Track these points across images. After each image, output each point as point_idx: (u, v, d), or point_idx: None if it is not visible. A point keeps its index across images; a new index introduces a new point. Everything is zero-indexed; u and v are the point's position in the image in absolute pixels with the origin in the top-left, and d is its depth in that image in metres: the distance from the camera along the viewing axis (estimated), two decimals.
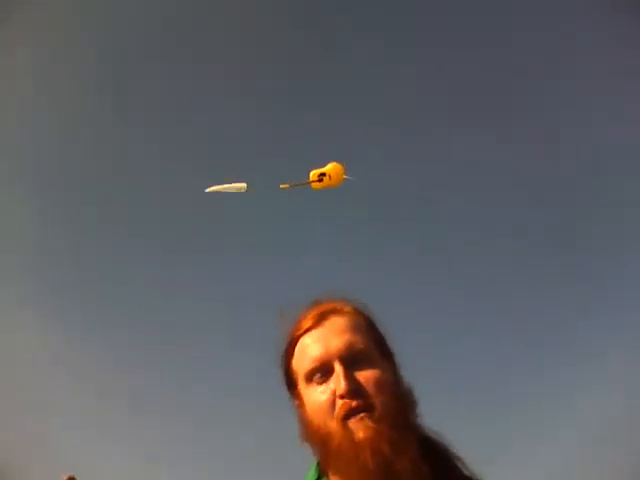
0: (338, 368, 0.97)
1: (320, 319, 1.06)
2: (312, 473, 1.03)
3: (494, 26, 9.52)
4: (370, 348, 1.02)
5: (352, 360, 0.98)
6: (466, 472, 1.01)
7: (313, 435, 0.99)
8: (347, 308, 1.09)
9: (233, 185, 5.24)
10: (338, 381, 0.96)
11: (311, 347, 1.03)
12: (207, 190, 5.38)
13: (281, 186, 5.31)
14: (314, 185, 5.33)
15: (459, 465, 1.01)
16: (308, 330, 1.05)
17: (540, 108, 9.83)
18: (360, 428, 0.93)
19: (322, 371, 0.99)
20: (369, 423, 0.93)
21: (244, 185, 5.26)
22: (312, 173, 5.24)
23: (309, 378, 1.01)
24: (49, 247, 8.90)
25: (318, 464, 1.03)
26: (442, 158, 9.94)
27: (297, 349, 1.07)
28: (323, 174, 5.10)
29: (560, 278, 9.25)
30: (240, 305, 9.45)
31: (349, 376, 0.96)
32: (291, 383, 1.09)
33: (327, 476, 1.01)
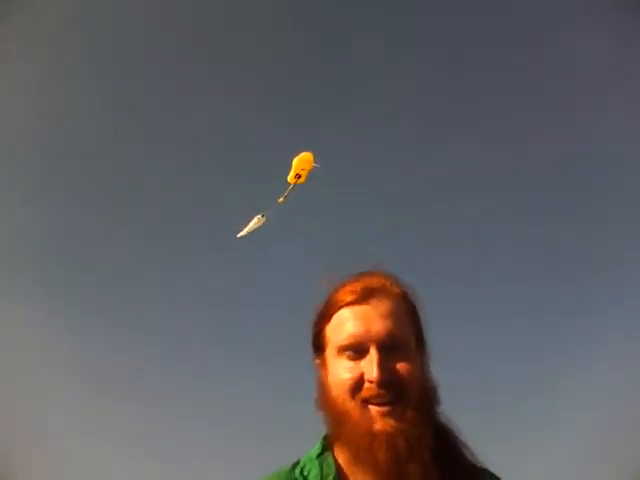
0: (373, 353, 0.94)
1: (366, 295, 1.00)
2: (317, 448, 1.03)
3: (494, 26, 9.53)
4: (409, 337, 0.99)
5: (389, 347, 0.95)
6: (471, 459, 1.00)
7: (330, 406, 0.97)
8: (395, 290, 1.03)
9: (254, 223, 5.57)
10: (370, 366, 0.93)
11: (351, 322, 0.98)
12: (239, 235, 5.81)
13: (279, 201, 5.54)
14: (299, 182, 5.49)
15: (465, 452, 1.00)
16: (351, 303, 1.00)
17: (541, 109, 9.82)
18: (380, 420, 0.92)
19: (357, 349, 0.96)
20: (390, 420, 0.91)
21: (259, 217, 5.54)
22: (289, 179, 5.48)
23: (341, 351, 0.98)
24: (51, 247, 8.90)
25: (324, 438, 1.03)
26: (442, 162, 9.94)
27: (335, 317, 1.01)
28: (297, 174, 5.37)
29: (562, 273, 9.24)
30: (239, 301, 9.45)
31: (382, 364, 0.93)
32: (318, 346, 1.05)
33: (332, 449, 1.00)
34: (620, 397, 6.55)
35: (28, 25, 7.82)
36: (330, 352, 1.01)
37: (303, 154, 5.33)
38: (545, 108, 9.64)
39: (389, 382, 0.93)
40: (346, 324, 0.99)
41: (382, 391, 0.92)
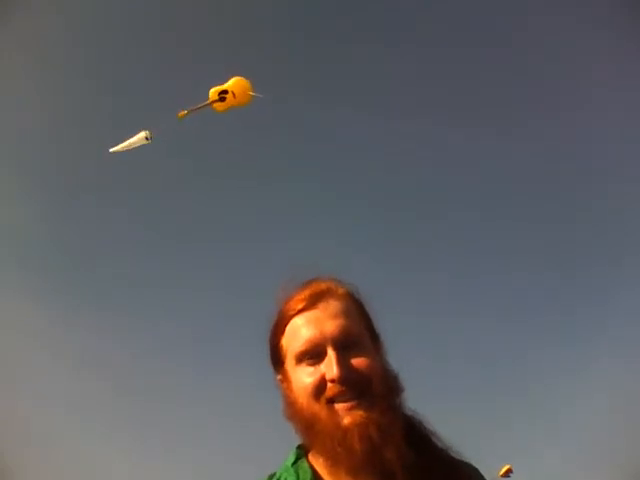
0: (331, 352, 0.97)
1: (314, 300, 1.03)
2: (291, 457, 1.05)
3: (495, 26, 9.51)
4: (362, 333, 1.02)
5: (345, 345, 0.98)
6: (443, 446, 1.02)
7: (297, 414, 0.99)
8: (340, 290, 1.07)
9: (135, 139, 4.28)
10: (330, 366, 0.95)
11: (304, 328, 1.01)
12: (111, 150, 4.33)
13: (178, 115, 4.16)
14: (217, 107, 4.08)
15: (436, 440, 1.02)
16: (301, 311, 1.03)
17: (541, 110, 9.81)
18: (347, 415, 0.93)
19: (314, 353, 0.98)
20: (358, 412, 0.93)
21: (144, 135, 4.25)
22: (212, 91, 4.05)
23: (299, 359, 1.00)
24: (50, 242, 8.85)
25: (298, 447, 1.06)
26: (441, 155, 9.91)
27: (289, 328, 1.04)
28: (225, 91, 3.99)
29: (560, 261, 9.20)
30: (227, 290, 9.41)
31: (341, 361, 0.95)
32: (277, 360, 1.07)
33: (307, 457, 1.03)
34: (620, 397, 6.54)
35: (28, 24, 7.80)
36: (289, 363, 1.03)
37: (242, 78, 4.13)
38: (545, 108, 9.62)
39: (350, 378, 0.95)
40: (300, 331, 1.01)
41: (344, 388, 0.94)
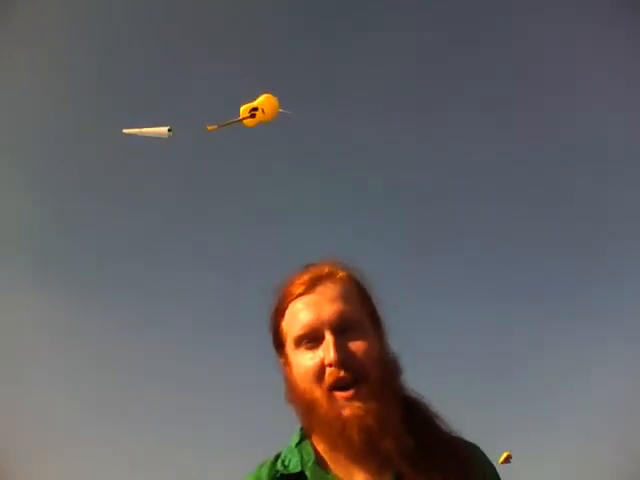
0: (328, 337, 0.97)
1: (313, 284, 1.03)
2: (295, 437, 1.05)
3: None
4: (361, 317, 1.02)
5: (343, 329, 0.98)
6: (445, 428, 1.02)
7: (298, 398, 1.00)
8: (340, 274, 1.06)
9: (154, 129, 4.22)
10: (328, 350, 0.95)
11: (303, 312, 1.01)
12: (124, 131, 4.30)
13: (208, 128, 4.18)
14: (247, 122, 4.16)
15: (438, 422, 1.02)
16: (301, 295, 1.03)
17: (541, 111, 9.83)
18: (347, 405, 0.93)
19: (312, 337, 0.99)
20: (357, 403, 0.93)
21: (165, 130, 4.19)
22: (242, 109, 4.16)
23: (298, 343, 1.01)
24: (49, 228, 8.83)
25: (301, 428, 1.06)
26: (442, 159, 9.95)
27: (288, 312, 1.05)
28: (255, 109, 4.09)
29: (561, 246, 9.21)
30: (228, 273, 9.41)
31: (339, 346, 0.95)
32: (279, 343, 1.08)
33: (310, 438, 1.03)
34: (620, 397, 6.54)
35: (28, 24, 7.80)
36: (289, 347, 1.04)
37: (271, 95, 4.31)
38: (544, 108, 9.64)
39: (348, 361, 0.95)
40: (299, 315, 1.02)
41: (342, 372, 0.94)
